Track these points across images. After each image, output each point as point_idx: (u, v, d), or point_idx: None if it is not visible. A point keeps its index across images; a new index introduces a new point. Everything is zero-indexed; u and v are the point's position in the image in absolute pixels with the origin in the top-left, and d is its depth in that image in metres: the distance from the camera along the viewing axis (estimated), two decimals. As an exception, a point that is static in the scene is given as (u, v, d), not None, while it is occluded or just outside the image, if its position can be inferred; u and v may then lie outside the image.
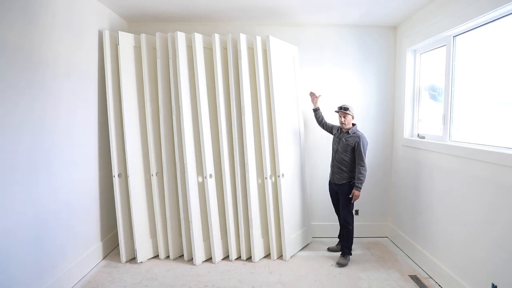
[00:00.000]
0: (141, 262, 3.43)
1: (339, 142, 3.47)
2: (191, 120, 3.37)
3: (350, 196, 3.40)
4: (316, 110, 3.66)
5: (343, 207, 3.48)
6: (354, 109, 3.62)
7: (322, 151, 4.09)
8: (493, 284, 2.36)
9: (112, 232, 3.69)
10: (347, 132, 3.43)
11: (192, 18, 3.75)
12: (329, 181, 3.67)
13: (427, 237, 3.28)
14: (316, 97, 3.64)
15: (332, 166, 3.57)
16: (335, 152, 3.53)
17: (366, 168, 3.36)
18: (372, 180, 4.15)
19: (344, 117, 3.39)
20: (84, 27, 3.09)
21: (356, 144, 3.36)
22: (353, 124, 3.48)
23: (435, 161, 3.14)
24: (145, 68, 3.39)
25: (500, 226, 2.32)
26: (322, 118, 3.68)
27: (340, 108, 3.42)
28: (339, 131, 3.54)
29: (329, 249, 3.77)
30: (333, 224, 4.09)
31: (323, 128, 3.69)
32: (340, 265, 3.40)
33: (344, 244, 3.47)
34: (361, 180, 3.34)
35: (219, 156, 3.49)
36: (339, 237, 3.74)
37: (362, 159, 3.34)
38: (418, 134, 3.67)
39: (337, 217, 3.73)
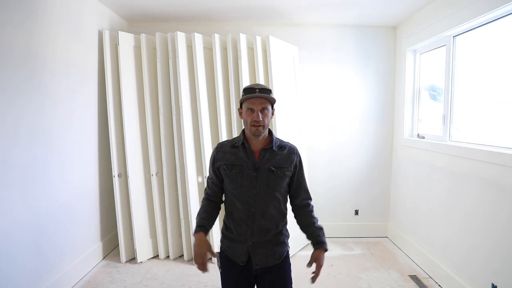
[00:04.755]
0: (141, 262, 3.43)
1: (256, 176, 1.62)
2: (191, 120, 3.37)
3: (310, 266, 1.80)
4: None
5: None
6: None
7: (321, 149, 4.10)
8: (493, 284, 2.36)
9: (112, 232, 3.69)
10: (270, 148, 1.66)
11: (192, 18, 3.75)
12: (223, 255, 1.89)
13: (427, 237, 3.28)
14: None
15: (244, 232, 1.71)
16: (246, 201, 1.65)
17: None
18: (372, 180, 4.15)
19: (261, 111, 1.57)
20: (84, 27, 3.08)
21: (297, 166, 1.74)
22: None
23: (435, 161, 3.14)
24: (145, 68, 3.39)
25: (501, 226, 2.32)
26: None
27: (254, 89, 1.56)
28: (237, 151, 1.65)
29: None
30: (333, 224, 4.09)
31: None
32: None
33: None
34: (323, 229, 1.83)
35: (219, 156, 3.49)
36: None
37: (308, 190, 1.84)
38: (418, 134, 3.67)
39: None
